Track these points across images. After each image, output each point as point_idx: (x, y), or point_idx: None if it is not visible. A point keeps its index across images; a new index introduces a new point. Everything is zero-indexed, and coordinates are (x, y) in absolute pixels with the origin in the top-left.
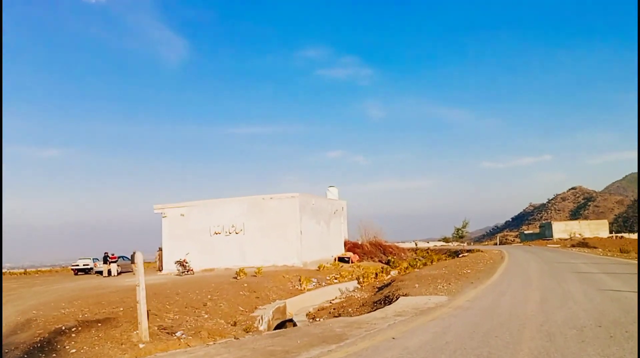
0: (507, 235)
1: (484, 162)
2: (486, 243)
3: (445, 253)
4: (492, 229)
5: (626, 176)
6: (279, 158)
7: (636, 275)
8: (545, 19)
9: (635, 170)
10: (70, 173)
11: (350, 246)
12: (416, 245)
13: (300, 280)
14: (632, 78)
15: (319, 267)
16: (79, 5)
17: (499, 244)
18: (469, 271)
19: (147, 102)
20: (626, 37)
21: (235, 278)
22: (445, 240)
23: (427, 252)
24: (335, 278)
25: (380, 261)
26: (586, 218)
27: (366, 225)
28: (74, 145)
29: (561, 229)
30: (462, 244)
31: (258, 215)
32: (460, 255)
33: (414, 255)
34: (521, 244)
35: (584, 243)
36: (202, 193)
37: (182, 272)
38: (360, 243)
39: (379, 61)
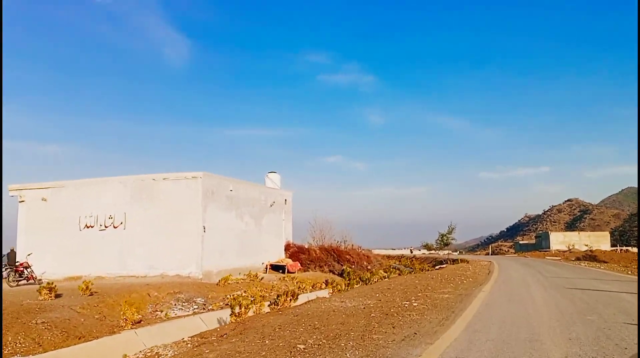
0: (501, 245)
1: (481, 172)
2: (479, 252)
3: (430, 263)
4: (487, 239)
5: (622, 190)
6: (277, 161)
7: None
8: (544, 32)
9: (632, 185)
10: (70, 167)
11: (294, 251)
12: (411, 251)
13: (124, 312)
14: (629, 92)
15: (223, 280)
16: (83, 2)
17: (492, 254)
18: (415, 304)
19: (148, 101)
20: (624, 51)
21: (39, 297)
22: (428, 247)
23: (412, 261)
24: (235, 300)
25: (331, 271)
26: (582, 230)
27: (321, 225)
28: (74, 141)
29: (559, 240)
30: (452, 253)
31: (146, 203)
32: (438, 267)
33: (397, 263)
34: (516, 255)
35: (591, 256)
36: None
37: (18, 281)
38: (307, 247)
39: (381, 68)
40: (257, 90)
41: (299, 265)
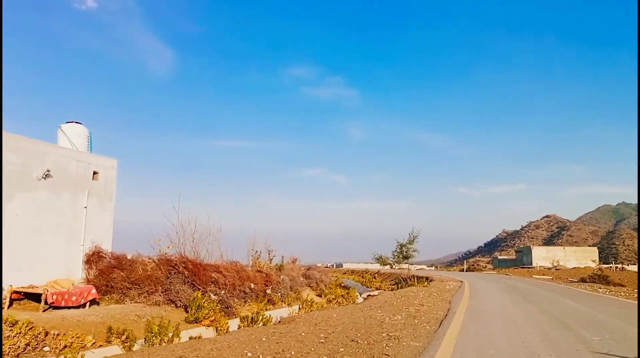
0: (478, 260)
1: (459, 188)
2: (454, 269)
3: (393, 280)
4: (465, 254)
5: (599, 207)
6: (258, 172)
7: None
8: (522, 55)
9: (608, 202)
10: None
11: (108, 266)
12: (391, 267)
13: None
14: (602, 114)
15: None
16: (70, 11)
17: (467, 271)
18: None
19: (130, 110)
20: (601, 76)
21: None
22: (382, 261)
23: (374, 276)
24: None
25: (172, 300)
26: (560, 246)
27: (187, 227)
28: None
29: (542, 255)
30: (427, 267)
31: None
32: (366, 295)
33: (360, 278)
34: (494, 271)
35: (601, 277)
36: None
37: None
38: (130, 258)
39: (364, 84)
40: (239, 102)
41: (94, 290)
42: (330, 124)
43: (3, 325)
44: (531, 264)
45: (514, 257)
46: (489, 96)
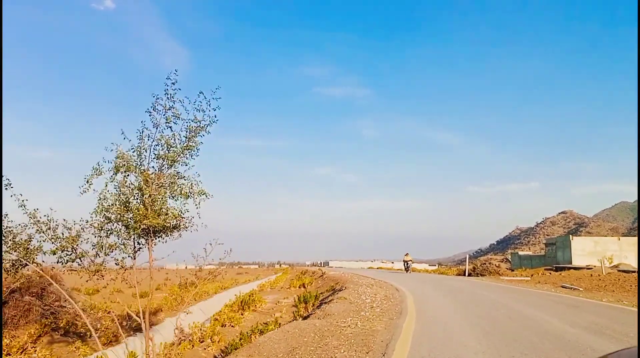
0: (490, 259)
1: (471, 186)
2: (456, 270)
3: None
4: (476, 253)
5: (615, 204)
6: (269, 170)
7: None
8: (536, 53)
9: (624, 200)
10: (64, 173)
11: None
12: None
13: None
14: (617, 112)
15: None
16: (87, 10)
17: (472, 275)
18: None
19: (145, 108)
20: (612, 76)
21: None
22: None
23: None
24: None
25: None
26: None
27: None
28: (68, 146)
29: (587, 249)
30: (429, 267)
31: None
32: None
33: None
34: (526, 277)
35: None
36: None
37: None
38: None
39: (377, 82)
40: (252, 101)
41: None
42: (342, 123)
43: None
44: (570, 262)
45: (542, 253)
46: (502, 94)
